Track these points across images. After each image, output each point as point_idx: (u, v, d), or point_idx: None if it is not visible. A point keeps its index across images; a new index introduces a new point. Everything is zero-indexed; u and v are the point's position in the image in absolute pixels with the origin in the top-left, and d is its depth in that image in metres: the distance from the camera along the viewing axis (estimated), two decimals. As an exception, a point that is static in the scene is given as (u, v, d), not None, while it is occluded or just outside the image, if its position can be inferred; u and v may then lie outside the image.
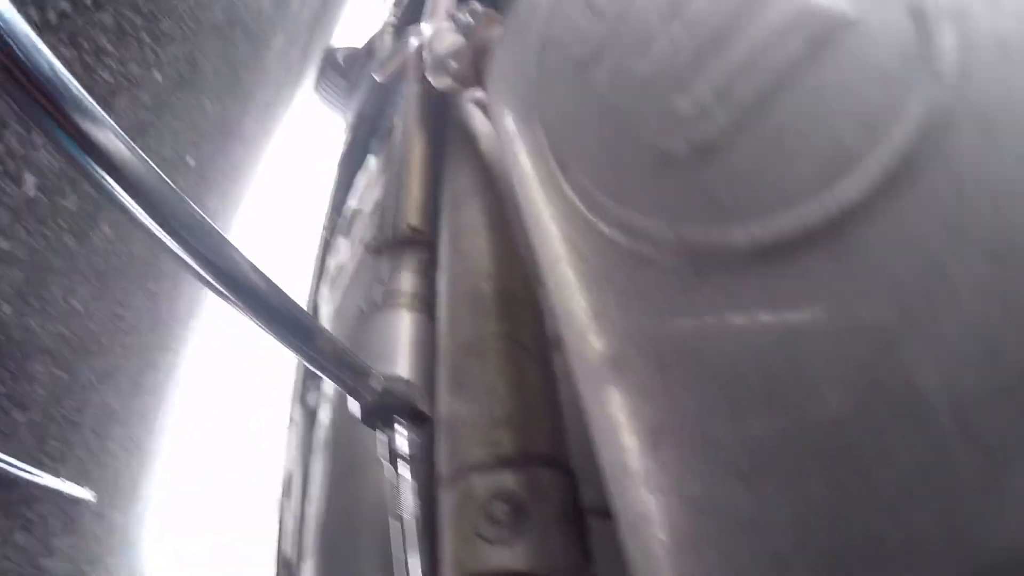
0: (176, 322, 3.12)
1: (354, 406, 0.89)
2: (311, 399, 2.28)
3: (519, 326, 1.13)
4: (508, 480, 0.90)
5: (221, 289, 0.66)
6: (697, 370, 0.54)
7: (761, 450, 0.47)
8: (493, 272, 1.22)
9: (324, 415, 1.46)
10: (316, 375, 2.58)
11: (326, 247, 3.16)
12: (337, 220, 3.15)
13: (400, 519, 0.86)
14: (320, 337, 0.80)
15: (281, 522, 2.16)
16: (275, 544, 2.36)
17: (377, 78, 2.78)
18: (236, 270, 0.66)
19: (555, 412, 1.03)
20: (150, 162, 0.58)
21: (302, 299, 3.24)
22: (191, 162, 2.70)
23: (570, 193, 0.74)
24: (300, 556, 1.27)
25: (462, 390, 1.06)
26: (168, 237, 0.59)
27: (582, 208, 0.71)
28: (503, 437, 0.95)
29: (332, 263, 2.55)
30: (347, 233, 2.44)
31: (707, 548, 0.48)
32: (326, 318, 2.42)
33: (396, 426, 0.91)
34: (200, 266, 0.63)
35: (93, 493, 1.95)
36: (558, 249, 0.73)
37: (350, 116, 4.22)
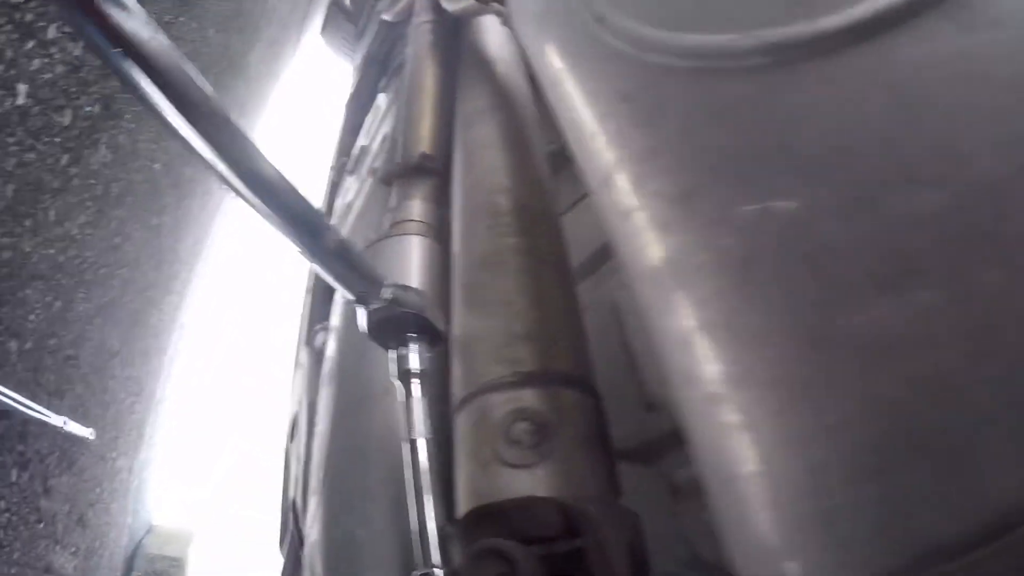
0: (180, 263, 3.02)
1: (362, 318, 0.80)
2: (318, 340, 2.22)
3: (538, 240, 1.03)
4: (529, 399, 0.80)
5: (235, 179, 0.61)
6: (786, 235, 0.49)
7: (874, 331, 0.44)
8: (510, 186, 1.13)
9: (331, 348, 1.37)
10: (323, 316, 2.52)
11: (334, 189, 3.09)
12: (344, 162, 3.08)
13: (412, 442, 0.77)
14: (328, 235, 0.70)
15: (287, 467, 2.09)
16: (282, 490, 2.30)
17: (386, 18, 2.71)
18: (250, 160, 0.62)
19: (578, 330, 0.94)
20: (173, 47, 0.52)
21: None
22: (194, 92, 2.57)
23: (614, 42, 0.67)
24: (306, 493, 1.18)
25: (477, 305, 0.96)
26: (186, 123, 0.55)
27: (630, 50, 0.64)
28: (523, 353, 0.85)
29: (339, 203, 2.51)
30: (354, 171, 2.39)
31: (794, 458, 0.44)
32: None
33: (407, 342, 0.82)
34: (215, 153, 0.58)
35: (92, 431, 1.86)
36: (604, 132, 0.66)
37: (358, 59, 4.13)
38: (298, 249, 0.69)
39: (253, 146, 0.62)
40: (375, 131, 2.31)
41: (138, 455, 2.88)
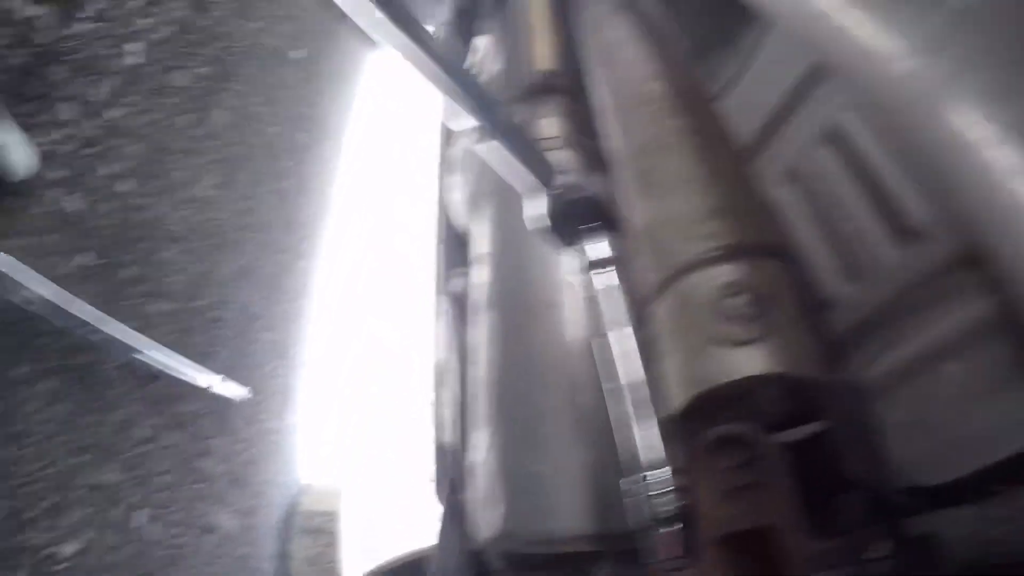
0: (307, 227, 3.06)
1: (540, 207, 0.74)
2: (456, 285, 2.20)
3: (703, 119, 0.96)
4: (738, 272, 0.74)
5: (417, 53, 0.61)
6: None
7: None
8: (660, 71, 1.07)
9: (481, 276, 1.31)
10: (456, 262, 2.49)
11: (447, 138, 3.06)
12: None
13: (608, 335, 0.70)
14: (503, 111, 0.64)
15: (437, 415, 2.09)
16: (432, 439, 2.30)
17: None
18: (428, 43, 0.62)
19: (765, 202, 0.86)
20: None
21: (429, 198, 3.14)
22: (295, 55, 2.56)
23: None
24: (471, 427, 1.14)
25: (656, 190, 0.88)
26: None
27: None
28: (719, 227, 0.79)
29: (455, 153, 2.48)
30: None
31: None
32: (460, 202, 2.32)
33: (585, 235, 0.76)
34: (398, 29, 0.59)
35: (243, 391, 1.89)
36: None
37: (442, 15, 4.10)
38: (481, 121, 0.65)
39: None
40: (485, 69, 2.28)
41: (286, 417, 2.96)
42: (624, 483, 0.68)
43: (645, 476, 0.66)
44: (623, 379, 0.69)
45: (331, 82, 3.38)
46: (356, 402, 5.48)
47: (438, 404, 2.08)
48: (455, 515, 1.92)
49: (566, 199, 0.75)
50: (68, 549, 1.09)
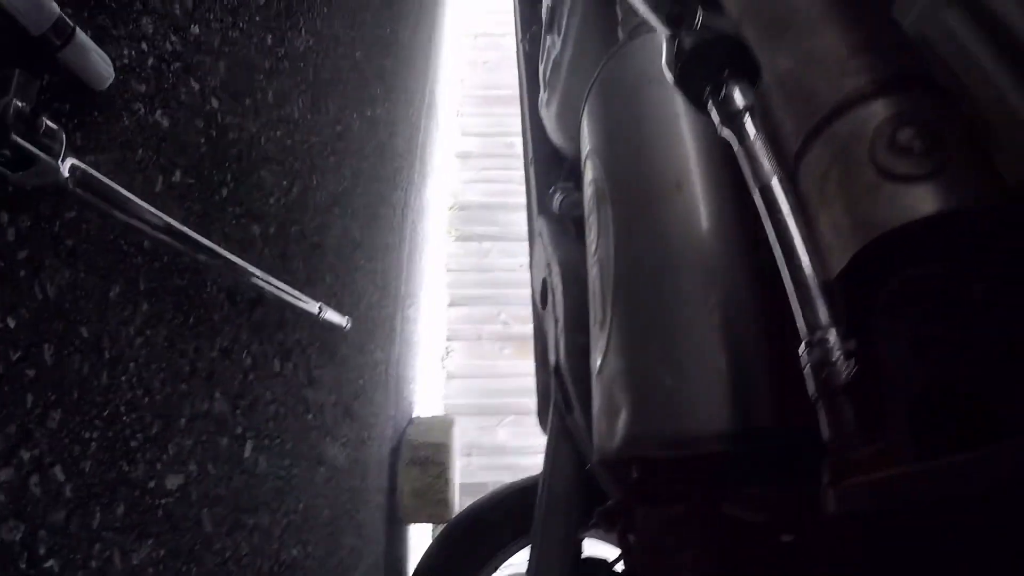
0: (400, 158, 3.01)
1: (671, 50, 0.67)
2: (555, 202, 2.12)
3: None
4: (901, 103, 0.67)
5: None
6: None
7: None
8: None
9: (592, 173, 1.22)
10: (553, 180, 2.41)
11: (530, 61, 2.95)
12: (535, 30, 2.92)
13: (765, 187, 0.62)
14: None
15: (541, 336, 2.03)
16: (536, 361, 2.25)
17: None
18: None
19: (906, 33, 0.76)
20: None
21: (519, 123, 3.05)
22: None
23: None
24: (599, 324, 1.06)
25: (791, 33, 0.80)
26: None
27: None
28: (872, 62, 0.72)
29: (544, 66, 2.38)
30: (551, 29, 2.26)
31: None
32: (551, 119, 2.23)
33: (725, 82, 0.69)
34: None
35: (348, 319, 1.87)
36: None
37: None
38: None
39: None
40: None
41: (393, 348, 2.97)
42: (805, 344, 0.60)
43: (827, 337, 0.58)
44: (792, 229, 0.60)
45: (411, 11, 3.29)
46: (459, 341, 5.54)
47: (542, 324, 2.02)
48: (564, 436, 1.87)
49: (700, 40, 0.65)
50: (172, 482, 1.07)
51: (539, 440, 1.95)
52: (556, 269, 1.77)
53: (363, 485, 2.50)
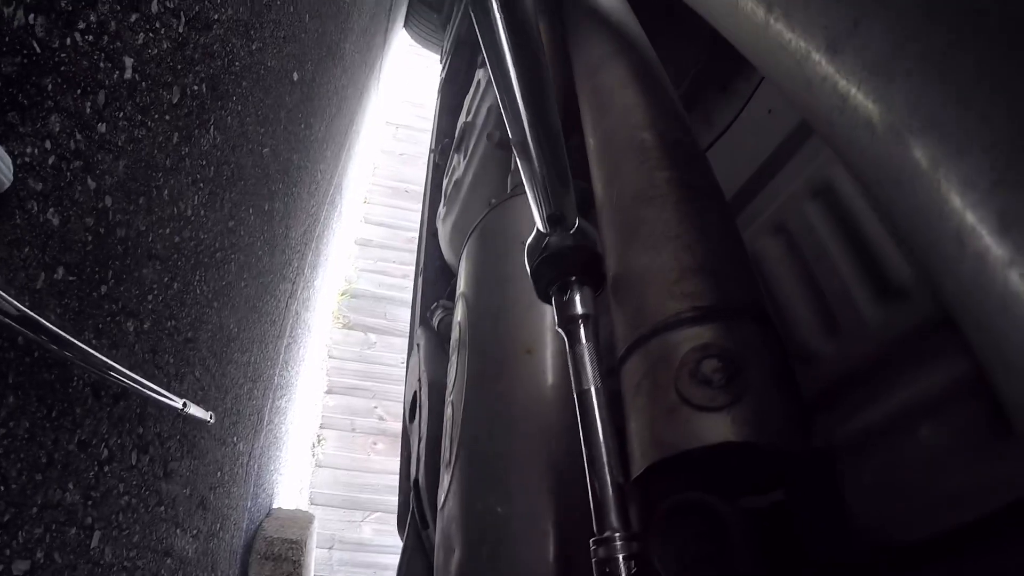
0: (292, 251, 3.04)
1: (538, 243, 0.74)
2: (435, 318, 2.20)
3: (693, 172, 0.97)
4: (712, 334, 0.73)
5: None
6: None
7: None
8: (653, 122, 1.07)
9: (459, 315, 1.31)
10: (437, 295, 2.49)
11: (437, 171, 3.09)
12: (447, 143, 3.07)
13: (584, 392, 0.69)
14: (558, 131, 0.63)
15: (409, 447, 2.07)
16: (401, 471, 2.28)
17: None
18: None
19: (748, 262, 0.86)
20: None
21: (414, 226, 3.14)
22: (295, 76, 2.56)
23: None
24: (431, 470, 1.13)
25: (637, 242, 0.88)
26: None
27: None
28: (699, 287, 0.79)
29: (447, 183, 2.50)
30: (460, 148, 2.39)
31: None
32: (445, 235, 2.33)
33: (570, 287, 0.76)
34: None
35: (212, 414, 1.86)
36: None
37: (447, 43, 4.17)
38: (526, 130, 0.66)
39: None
40: (476, 106, 2.32)
41: (258, 440, 2.92)
42: (593, 541, 0.67)
43: (614, 537, 0.65)
44: (600, 436, 0.68)
45: (330, 104, 3.39)
46: (332, 430, 5.44)
47: (408, 436, 2.07)
48: (419, 550, 1.89)
49: (565, 243, 0.74)
50: (19, 568, 1.05)
51: (400, 541, 1.98)
52: (425, 388, 1.83)
53: (210, 577, 2.41)
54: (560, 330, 0.76)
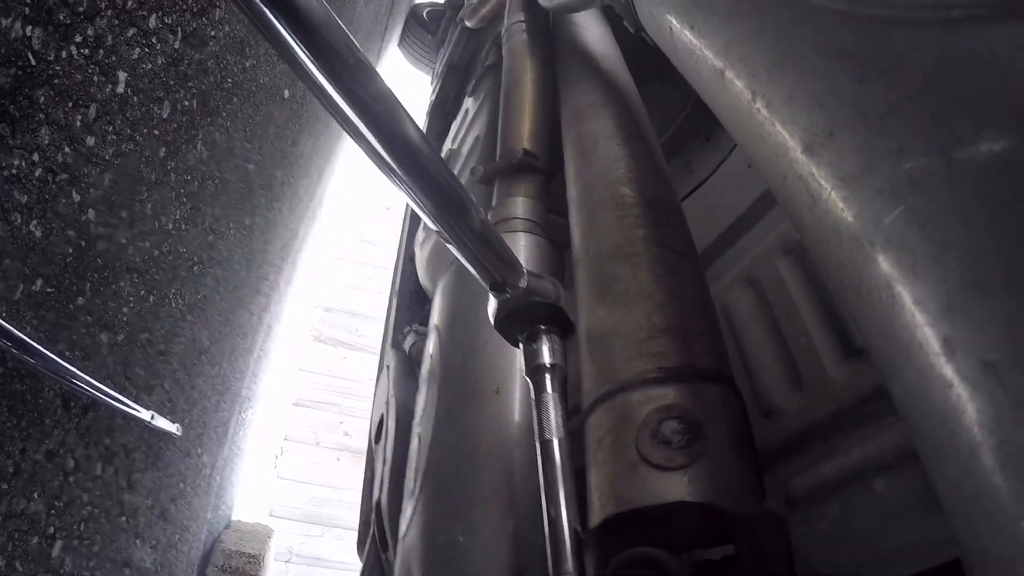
0: (269, 265, 3.05)
1: (493, 307, 0.75)
2: (407, 342, 2.20)
3: (670, 231, 0.98)
4: (676, 396, 0.75)
5: (378, 144, 0.57)
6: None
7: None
8: (635, 177, 1.08)
9: (432, 347, 1.32)
10: (410, 319, 2.50)
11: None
12: None
13: (547, 442, 0.71)
14: (474, 215, 0.64)
15: (371, 469, 2.07)
16: (363, 492, 2.27)
17: (469, 24, 2.76)
18: (397, 124, 0.57)
19: (716, 325, 0.88)
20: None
21: (392, 257, 3.16)
22: (286, 94, 2.59)
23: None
24: (393, 495, 1.14)
25: (610, 298, 0.90)
26: (329, 77, 0.52)
27: (838, 4, 0.57)
28: (666, 348, 0.80)
29: None
30: None
31: None
32: (422, 261, 2.34)
33: (538, 335, 0.78)
34: (360, 114, 0.55)
35: (179, 427, 1.86)
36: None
37: (439, 67, 4.20)
38: (437, 227, 0.65)
39: (402, 110, 0.58)
40: (463, 135, 2.33)
41: (222, 452, 2.90)
42: None
43: None
44: (560, 484, 0.70)
45: (319, 121, 3.41)
46: (296, 442, 5.40)
47: (373, 458, 2.06)
48: (377, 572, 1.89)
49: (515, 305, 0.76)
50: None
51: (359, 560, 1.98)
52: (393, 411, 1.83)
53: (165, 589, 2.39)
54: (527, 379, 0.78)
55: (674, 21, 0.83)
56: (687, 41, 0.80)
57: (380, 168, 0.59)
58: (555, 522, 0.69)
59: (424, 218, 0.64)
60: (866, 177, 0.48)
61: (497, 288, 0.75)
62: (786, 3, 0.62)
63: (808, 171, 0.54)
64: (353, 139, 0.58)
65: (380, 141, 0.56)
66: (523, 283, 0.76)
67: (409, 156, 0.58)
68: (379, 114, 0.54)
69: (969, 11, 0.45)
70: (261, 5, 0.47)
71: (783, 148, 0.57)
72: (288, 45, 0.49)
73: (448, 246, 0.68)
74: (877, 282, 0.46)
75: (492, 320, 0.78)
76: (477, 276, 0.73)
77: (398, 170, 0.58)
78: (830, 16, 0.57)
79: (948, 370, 0.39)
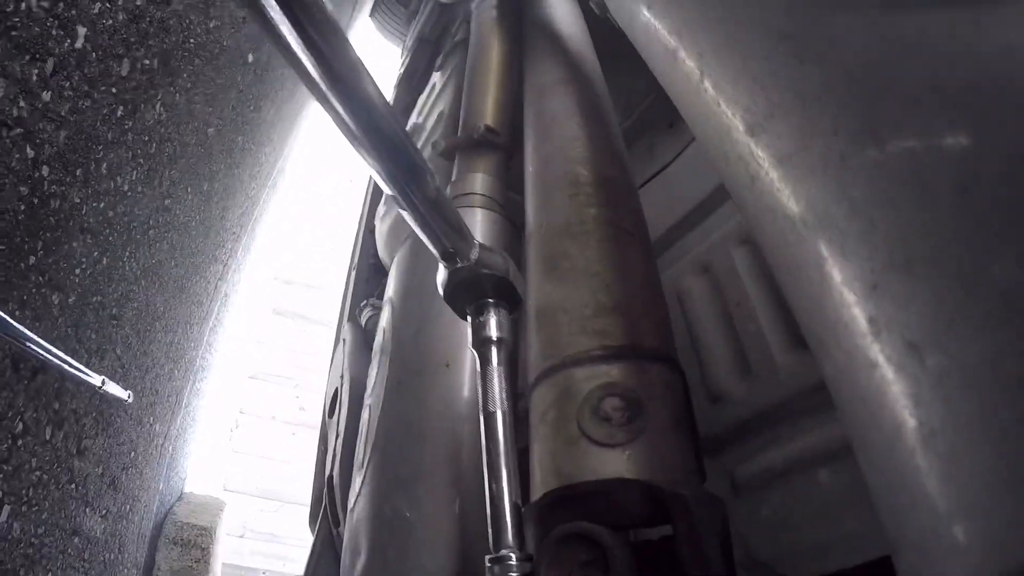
0: (227, 232, 3.00)
1: (442, 277, 0.75)
2: (364, 316, 2.19)
3: (621, 212, 0.99)
4: (619, 374, 0.77)
5: (338, 104, 0.55)
6: (920, 119, 0.42)
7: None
8: (590, 157, 1.08)
9: (385, 320, 1.32)
10: (367, 293, 2.48)
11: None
12: None
13: (490, 414, 0.71)
14: (430, 182, 0.64)
15: (325, 442, 2.06)
16: (316, 465, 2.27)
17: None
18: (357, 81, 0.55)
19: (663, 306, 0.89)
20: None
21: (355, 226, 3.13)
22: (250, 58, 2.53)
23: None
24: (345, 469, 1.15)
25: (560, 275, 0.91)
26: (301, 41, 0.49)
27: None
28: (611, 326, 0.82)
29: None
30: None
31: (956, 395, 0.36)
32: (382, 234, 2.32)
33: (486, 308, 0.78)
34: (320, 70, 0.52)
35: (130, 393, 1.83)
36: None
37: (409, 39, 4.14)
38: (392, 191, 0.63)
39: (365, 71, 0.57)
40: (429, 109, 2.32)
41: (175, 422, 2.86)
42: (488, 559, 0.69)
43: (509, 556, 0.68)
44: (502, 457, 0.70)
45: (283, 88, 3.35)
46: (250, 415, 5.35)
47: (326, 431, 2.06)
48: (329, 547, 1.89)
49: (463, 277, 0.76)
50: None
51: (312, 535, 1.97)
52: (347, 385, 1.83)
53: (119, 559, 2.36)
54: (472, 351, 0.78)
55: (633, 1, 0.83)
56: (644, 21, 0.80)
57: (340, 128, 0.57)
58: (497, 496, 0.70)
59: (380, 182, 0.62)
60: (800, 157, 0.49)
61: (448, 258, 0.74)
62: None
63: (748, 151, 0.54)
64: (314, 96, 0.54)
65: (340, 100, 0.55)
66: (474, 254, 0.75)
67: (368, 117, 0.57)
68: (342, 73, 0.53)
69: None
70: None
71: (727, 128, 0.57)
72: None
73: (402, 212, 0.67)
74: (808, 261, 0.46)
75: (440, 290, 0.78)
76: (429, 245, 0.73)
77: (356, 131, 0.57)
78: None
79: (873, 350, 0.40)
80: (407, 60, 3.71)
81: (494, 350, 0.77)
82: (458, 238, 0.72)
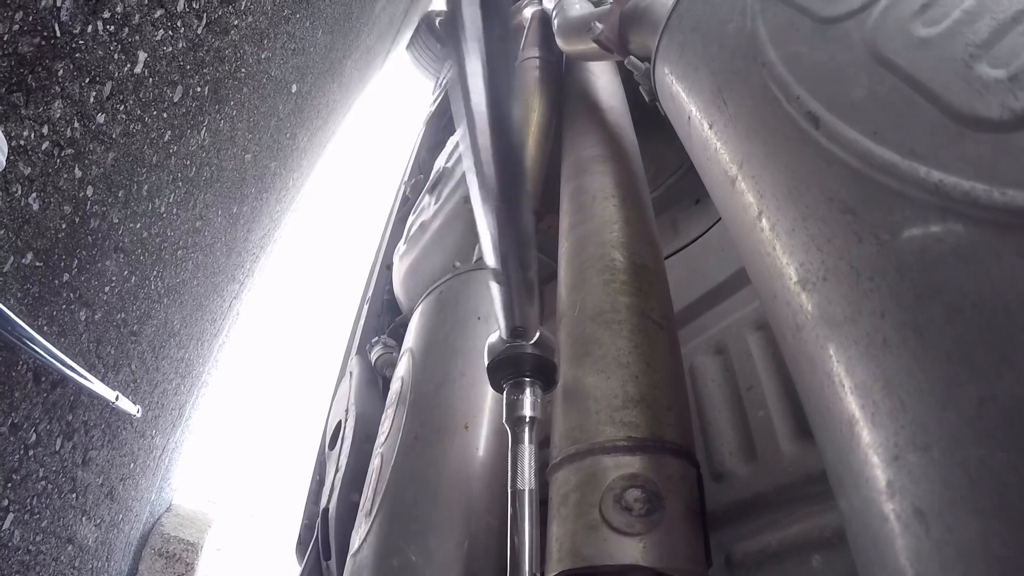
0: (247, 253, 3.03)
1: (495, 347, 0.78)
2: (373, 353, 2.20)
3: (652, 301, 1.02)
4: (641, 465, 0.82)
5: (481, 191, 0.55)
6: (958, 328, 0.47)
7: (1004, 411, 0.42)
8: (625, 242, 1.12)
9: (403, 369, 1.33)
10: (378, 329, 2.49)
11: (406, 204, 3.10)
12: (420, 179, 3.08)
13: (519, 492, 0.74)
14: (532, 262, 0.66)
15: (321, 473, 2.06)
16: (308, 495, 2.26)
17: None
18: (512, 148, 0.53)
19: (685, 399, 0.93)
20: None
21: (372, 254, 3.15)
22: (294, 88, 2.59)
23: (831, 147, 0.62)
24: (367, 511, 1.16)
25: (591, 361, 0.94)
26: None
27: (854, 162, 0.60)
28: (638, 418, 0.86)
29: (413, 220, 2.50)
30: (433, 191, 2.38)
31: (959, 511, 0.42)
32: (399, 272, 2.34)
33: (524, 386, 0.80)
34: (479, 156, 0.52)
35: (139, 408, 1.85)
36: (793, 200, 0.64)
37: (443, 77, 4.19)
38: (496, 264, 0.64)
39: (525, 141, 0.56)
40: (459, 158, 2.32)
41: (174, 435, 2.87)
42: None
43: None
44: (527, 534, 0.73)
45: (318, 116, 3.41)
46: (247, 433, 5.35)
47: (324, 463, 2.06)
48: (315, 576, 1.88)
49: (519, 352, 0.78)
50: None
51: (296, 557, 1.97)
52: (352, 421, 1.84)
53: (105, 567, 2.36)
54: (506, 425, 0.80)
55: (694, 112, 0.86)
56: (704, 135, 0.83)
57: (472, 178, 0.55)
58: (518, 566, 0.72)
59: (486, 251, 0.63)
60: (848, 327, 0.53)
61: (515, 334, 0.78)
62: (802, 139, 0.65)
63: (798, 302, 0.58)
64: (464, 152, 0.53)
65: (494, 157, 0.53)
66: (536, 334, 0.79)
67: (509, 180, 0.55)
68: (504, 131, 0.50)
69: (988, 215, 0.49)
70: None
71: (779, 272, 0.62)
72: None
73: (492, 283, 0.70)
74: (841, 416, 0.51)
75: (486, 358, 0.80)
76: (501, 316, 0.75)
77: (489, 189, 0.55)
78: (839, 167, 0.60)
79: (887, 507, 0.45)
80: (439, 98, 3.76)
81: (527, 430, 0.79)
82: (531, 316, 0.75)
